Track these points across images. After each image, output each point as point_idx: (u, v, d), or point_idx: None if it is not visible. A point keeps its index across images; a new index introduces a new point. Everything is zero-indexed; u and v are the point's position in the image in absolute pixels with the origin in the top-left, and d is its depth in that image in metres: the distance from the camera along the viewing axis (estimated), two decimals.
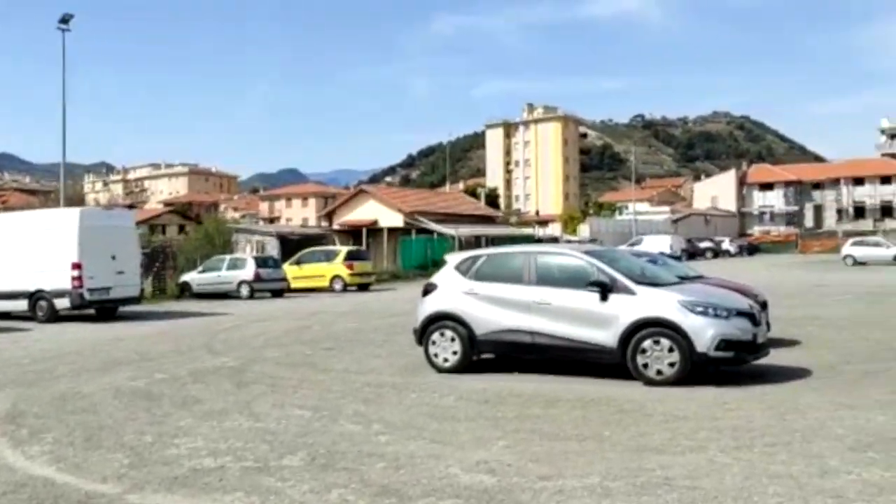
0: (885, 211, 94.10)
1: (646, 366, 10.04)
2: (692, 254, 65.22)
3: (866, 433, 7.23)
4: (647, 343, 10.03)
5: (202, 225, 48.60)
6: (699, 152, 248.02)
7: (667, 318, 9.97)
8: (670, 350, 9.91)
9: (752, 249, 77.03)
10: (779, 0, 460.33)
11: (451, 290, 11.63)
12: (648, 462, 6.51)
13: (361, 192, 56.46)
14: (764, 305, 13.78)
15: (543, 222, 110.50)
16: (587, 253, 11.15)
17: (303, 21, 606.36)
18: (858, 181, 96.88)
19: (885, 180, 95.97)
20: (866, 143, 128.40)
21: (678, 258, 60.74)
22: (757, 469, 6.23)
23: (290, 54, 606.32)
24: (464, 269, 11.72)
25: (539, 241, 58.60)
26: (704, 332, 9.81)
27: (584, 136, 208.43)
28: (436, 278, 12.18)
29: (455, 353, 11.40)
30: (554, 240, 62.26)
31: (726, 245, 73.52)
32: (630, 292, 10.31)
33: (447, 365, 11.42)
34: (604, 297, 10.37)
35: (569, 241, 61.17)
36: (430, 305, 11.78)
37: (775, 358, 11.45)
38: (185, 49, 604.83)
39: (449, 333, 11.44)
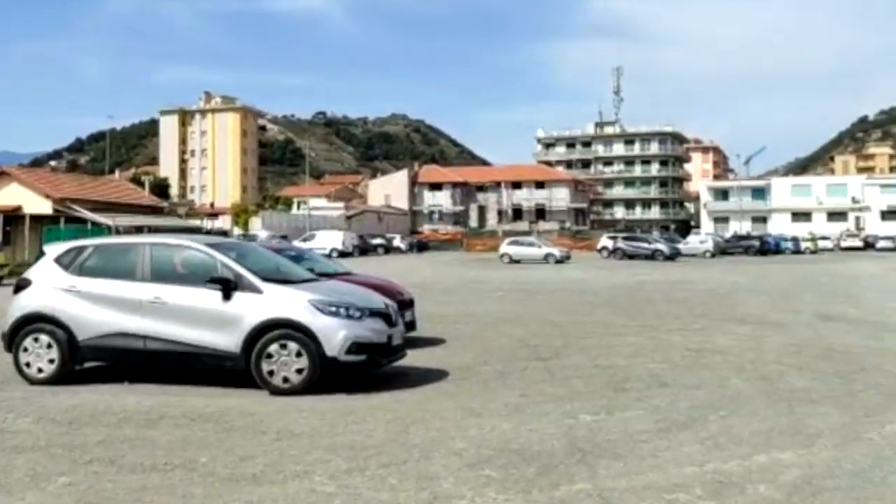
0: (540, 213, 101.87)
1: (272, 373, 8.99)
2: (364, 250, 65.93)
3: (488, 445, 6.66)
4: (273, 347, 8.98)
5: None
6: (378, 152, 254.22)
7: (294, 319, 8.98)
8: (298, 355, 8.94)
9: (421, 246, 79.58)
10: (455, 14, 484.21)
11: (48, 286, 9.83)
12: (238, 497, 5.42)
13: (2, 175, 50.30)
14: (410, 304, 13.34)
15: (216, 214, 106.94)
16: (211, 246, 9.87)
17: None
18: (517, 185, 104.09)
19: (540, 185, 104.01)
20: (526, 151, 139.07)
21: (350, 254, 61.23)
22: (361, 499, 5.36)
23: None
24: (66, 262, 9.95)
25: (208, 233, 56.06)
26: (335, 335, 8.95)
27: (264, 128, 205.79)
28: (31, 272, 10.29)
29: (52, 361, 9.63)
30: (223, 233, 60.00)
31: (397, 242, 75.27)
32: (256, 290, 9.20)
33: (42, 376, 9.62)
34: (227, 296, 9.18)
35: (245, 235, 59.25)
36: (22, 305, 9.90)
37: (416, 359, 10.93)
38: None
39: (44, 338, 9.64)
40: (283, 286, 9.45)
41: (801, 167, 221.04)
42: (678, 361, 11.33)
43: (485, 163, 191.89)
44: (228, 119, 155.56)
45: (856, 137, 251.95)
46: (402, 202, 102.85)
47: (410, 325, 13.03)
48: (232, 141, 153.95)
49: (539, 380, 9.83)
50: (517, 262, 50.22)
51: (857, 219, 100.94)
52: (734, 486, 5.56)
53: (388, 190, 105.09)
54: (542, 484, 5.64)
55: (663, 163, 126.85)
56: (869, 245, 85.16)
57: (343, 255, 59.42)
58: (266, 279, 9.44)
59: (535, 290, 26.60)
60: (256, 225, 68.78)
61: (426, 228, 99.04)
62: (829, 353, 12.12)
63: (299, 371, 8.93)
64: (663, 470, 5.95)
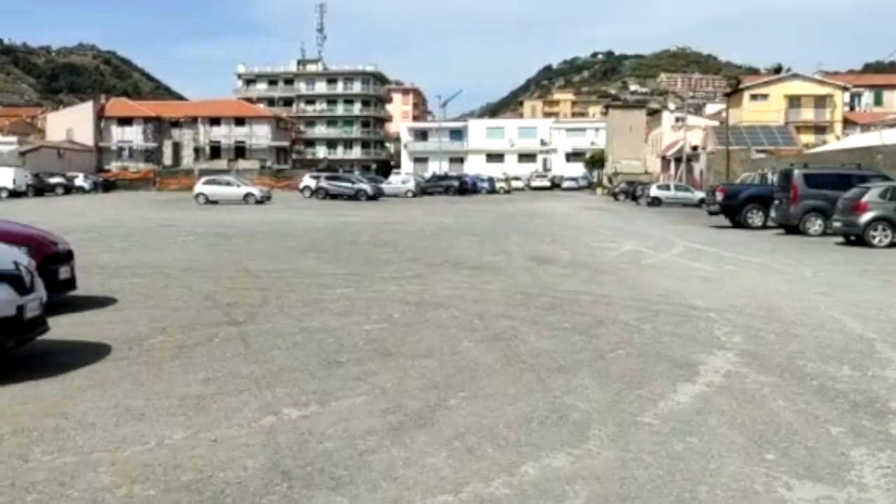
0: (239, 151, 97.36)
1: None
2: (40, 189, 59.21)
3: (148, 476, 4.50)
4: None
5: None
6: (63, 84, 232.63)
7: None
8: None
9: (108, 186, 73.21)
10: None
11: None
12: None
13: None
14: (68, 257, 10.60)
15: None
16: None
17: None
18: (216, 121, 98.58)
19: (240, 122, 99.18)
20: (227, 89, 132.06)
21: (23, 194, 54.43)
22: None
23: None
24: None
25: None
26: None
27: None
28: None
29: None
30: None
31: (80, 181, 68.44)
32: None
33: None
34: None
35: None
36: None
37: (68, 331, 8.43)
38: None
39: None
40: None
41: (493, 111, 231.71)
42: (398, 319, 9.68)
43: (182, 98, 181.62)
44: None
45: (541, 84, 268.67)
46: (87, 138, 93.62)
47: (67, 284, 10.37)
48: None
49: (231, 354, 7.71)
50: (214, 202, 46.87)
51: (545, 160, 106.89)
52: None
53: (70, 124, 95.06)
54: None
55: (366, 103, 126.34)
56: (556, 185, 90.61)
57: (14, 194, 52.77)
58: None
59: (232, 233, 24.08)
60: None
61: (115, 166, 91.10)
62: (556, 302, 11.06)
63: None
64: None
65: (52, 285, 9.17)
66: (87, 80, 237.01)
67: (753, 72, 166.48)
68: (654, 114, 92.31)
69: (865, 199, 20.29)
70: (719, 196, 28.49)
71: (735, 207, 27.90)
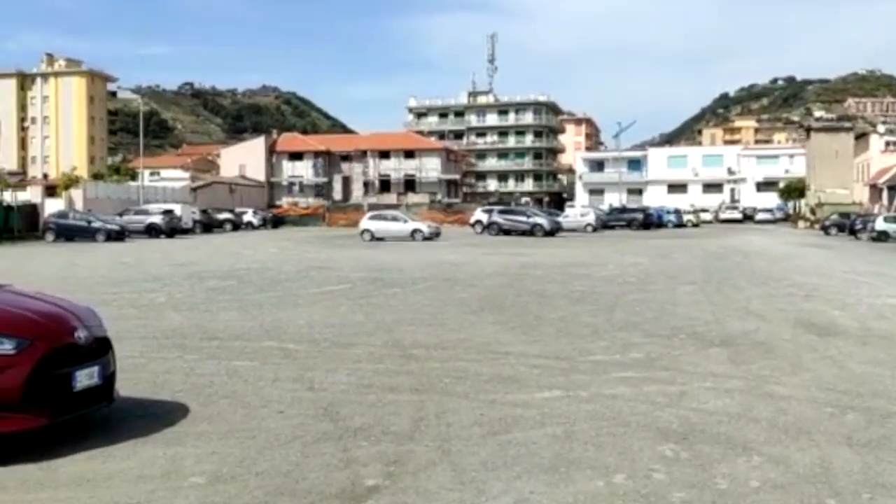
0: (409, 185, 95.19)
1: None
2: (208, 225, 57.94)
3: None
4: None
5: None
6: (248, 124, 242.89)
7: None
8: None
9: (276, 221, 71.88)
10: None
11: None
12: None
13: None
14: (100, 350, 6.41)
15: (52, 187, 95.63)
16: None
17: None
18: (385, 155, 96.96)
19: (410, 154, 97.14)
20: (398, 125, 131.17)
21: (190, 230, 53.14)
22: None
23: None
24: None
25: (8, 208, 47.34)
26: None
27: (114, 94, 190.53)
28: None
29: None
30: (33, 207, 50.84)
31: (249, 217, 67.25)
32: None
33: None
34: None
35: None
36: None
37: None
38: None
39: None
40: None
41: (667, 141, 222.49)
42: (674, 494, 4.89)
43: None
44: (73, 84, 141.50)
45: (717, 113, 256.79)
46: (258, 173, 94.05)
47: (93, 396, 6.19)
48: (77, 107, 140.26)
49: None
50: (380, 239, 43.49)
51: (733, 190, 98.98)
52: None
53: (242, 159, 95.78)
54: None
55: (538, 134, 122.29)
56: (748, 217, 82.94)
57: (175, 231, 50.68)
58: None
59: (391, 280, 19.92)
60: (77, 198, 58.64)
61: (285, 202, 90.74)
62: None
63: None
64: None
65: (62, 399, 5.73)
66: (269, 120, 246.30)
67: None
68: (859, 138, 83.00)
69: None
70: None
71: None
